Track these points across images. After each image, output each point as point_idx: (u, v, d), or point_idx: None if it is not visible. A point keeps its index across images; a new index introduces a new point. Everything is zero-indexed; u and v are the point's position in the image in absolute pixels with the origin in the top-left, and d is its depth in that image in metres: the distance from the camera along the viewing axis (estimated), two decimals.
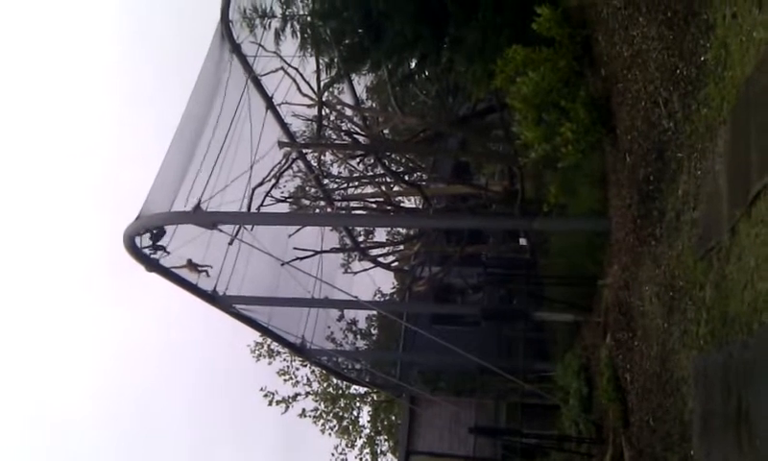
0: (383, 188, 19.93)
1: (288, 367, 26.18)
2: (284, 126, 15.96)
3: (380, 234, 24.04)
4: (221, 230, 11.74)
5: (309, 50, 13.20)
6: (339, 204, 19.48)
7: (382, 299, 24.19)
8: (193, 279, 12.65)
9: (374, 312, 22.32)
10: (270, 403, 26.02)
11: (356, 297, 15.89)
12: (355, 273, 20.67)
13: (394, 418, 26.57)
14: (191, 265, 12.20)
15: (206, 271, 12.58)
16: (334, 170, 21.83)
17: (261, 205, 14.08)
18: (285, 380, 26.24)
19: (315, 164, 18.30)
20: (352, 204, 20.13)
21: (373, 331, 26.20)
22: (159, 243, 11.39)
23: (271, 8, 12.94)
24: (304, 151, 17.38)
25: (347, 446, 27.17)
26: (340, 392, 26.70)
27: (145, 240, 11.33)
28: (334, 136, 20.34)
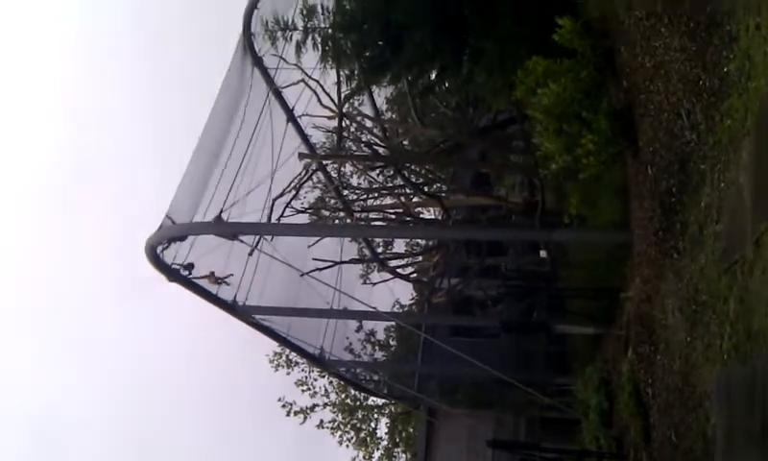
0: (403, 199, 19.95)
1: (306, 377, 26.19)
2: (305, 137, 16.06)
3: (399, 246, 24.02)
4: (241, 241, 11.82)
5: (330, 62, 13.29)
6: (358, 215, 19.51)
7: (401, 310, 24.12)
8: (213, 290, 12.73)
9: (393, 323, 22.28)
10: (288, 414, 26.04)
11: (375, 308, 15.87)
12: (374, 284, 20.65)
13: (411, 430, 26.43)
14: (213, 277, 12.28)
15: (227, 282, 12.65)
16: (354, 181, 21.88)
17: (281, 216, 14.16)
18: (303, 391, 26.26)
19: (335, 175, 18.37)
20: (372, 215, 20.16)
21: (392, 343, 26.15)
22: (188, 264, 11.55)
23: (293, 20, 13.06)
24: (324, 162, 17.46)
25: (364, 457, 27.09)
26: (358, 403, 26.63)
27: (168, 255, 11.45)
28: (354, 148, 20.41)
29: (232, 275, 12.69)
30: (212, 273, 12.30)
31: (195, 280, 12.18)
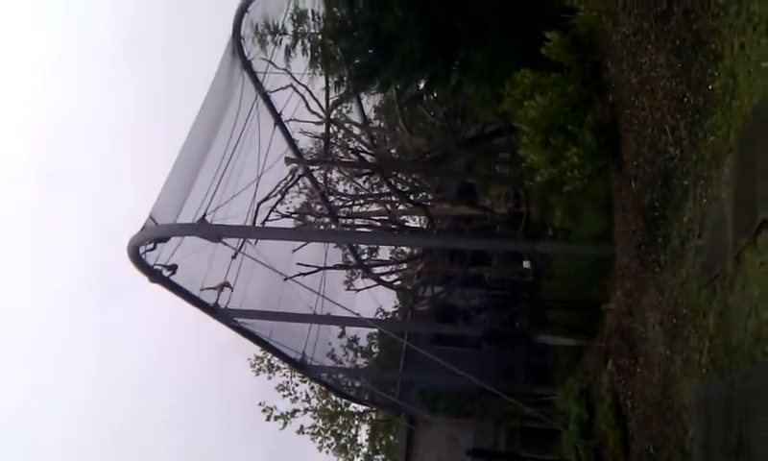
0: (388, 207, 19.98)
1: (287, 382, 26.11)
2: (292, 142, 16.03)
3: (384, 253, 24.06)
4: (225, 244, 11.77)
5: (319, 68, 13.31)
6: (344, 221, 19.51)
7: (384, 317, 24.14)
8: (194, 292, 12.65)
9: (376, 330, 22.28)
10: (268, 419, 25.93)
11: (358, 314, 15.85)
12: (358, 290, 20.65)
13: (392, 438, 26.41)
14: (221, 286, 12.33)
15: (230, 287, 12.67)
16: (340, 188, 21.91)
17: (266, 219, 14.12)
18: (284, 396, 26.17)
19: (321, 181, 18.36)
20: (357, 221, 20.17)
21: (374, 350, 26.14)
22: (171, 265, 11.49)
23: (283, 25, 13.06)
24: (311, 168, 17.46)
25: None
26: (339, 409, 26.59)
27: (150, 258, 11.38)
28: (341, 154, 20.43)
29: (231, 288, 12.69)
30: (228, 283, 12.39)
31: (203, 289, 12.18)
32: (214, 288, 12.34)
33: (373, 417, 26.62)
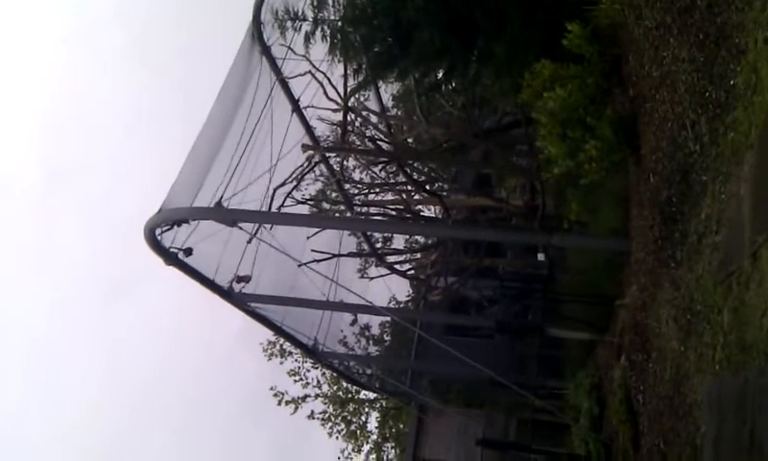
0: (404, 196, 19.98)
1: (299, 368, 26.28)
2: (309, 129, 16.06)
3: (398, 242, 24.08)
4: (240, 228, 11.83)
5: (338, 55, 13.30)
6: (359, 209, 19.54)
7: (397, 306, 24.20)
8: (210, 275, 12.73)
9: (388, 319, 22.33)
10: (279, 403, 26.13)
11: (371, 302, 15.91)
12: (371, 278, 20.71)
13: (402, 426, 26.54)
14: (243, 278, 12.45)
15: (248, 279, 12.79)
16: (356, 175, 21.93)
17: (282, 205, 14.18)
18: (296, 381, 26.35)
19: (337, 169, 18.39)
20: (372, 210, 20.19)
21: (386, 338, 26.22)
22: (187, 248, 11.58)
23: (302, 11, 13.06)
24: (327, 155, 17.49)
25: (353, 450, 27.18)
26: (349, 396, 26.73)
27: (166, 240, 11.47)
28: (358, 142, 20.43)
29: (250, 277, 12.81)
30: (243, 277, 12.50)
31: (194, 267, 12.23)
32: (235, 278, 12.43)
33: (384, 405, 26.74)
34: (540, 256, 18.76)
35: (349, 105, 16.68)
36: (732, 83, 6.24)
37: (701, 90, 7.05)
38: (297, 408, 26.21)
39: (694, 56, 7.23)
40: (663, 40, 8.19)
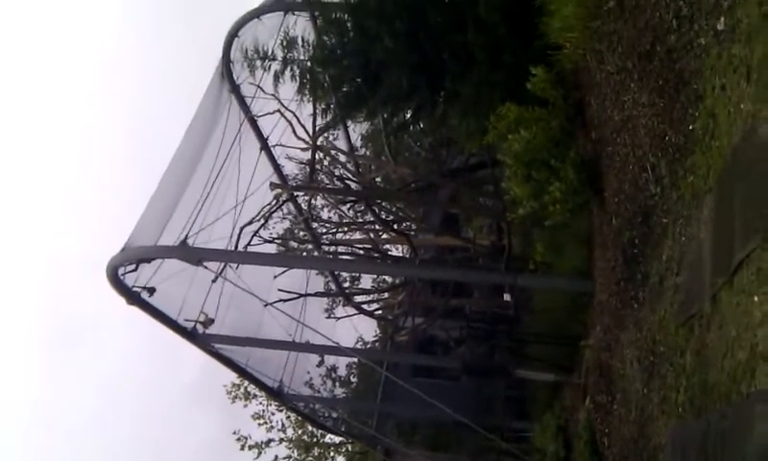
0: (371, 235, 19.95)
1: (264, 411, 25.73)
2: (277, 167, 16.03)
3: (366, 281, 23.96)
4: (205, 267, 11.65)
5: (307, 94, 13.36)
6: (327, 248, 19.43)
7: (364, 347, 23.96)
8: (173, 315, 12.48)
9: (355, 360, 22.08)
10: (242, 448, 25.49)
11: (338, 343, 15.73)
12: (338, 318, 20.51)
13: None
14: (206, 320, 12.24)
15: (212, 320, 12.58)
16: (324, 214, 21.87)
17: (248, 244, 14.03)
18: (260, 425, 25.77)
19: (305, 207, 18.33)
20: (340, 249, 20.10)
21: (353, 379, 25.88)
22: (150, 287, 11.38)
23: (272, 50, 13.13)
24: (295, 193, 17.43)
25: None
26: (315, 440, 26.21)
27: (129, 279, 11.25)
28: (326, 181, 20.43)
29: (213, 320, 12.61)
30: (211, 319, 12.31)
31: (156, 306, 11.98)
32: (197, 321, 12.23)
33: (349, 449, 26.27)
34: (507, 297, 18.79)
35: (318, 144, 16.72)
36: (690, 127, 6.37)
37: (661, 134, 7.18)
38: (260, 453, 25.56)
39: (654, 100, 7.38)
40: (624, 85, 8.37)
